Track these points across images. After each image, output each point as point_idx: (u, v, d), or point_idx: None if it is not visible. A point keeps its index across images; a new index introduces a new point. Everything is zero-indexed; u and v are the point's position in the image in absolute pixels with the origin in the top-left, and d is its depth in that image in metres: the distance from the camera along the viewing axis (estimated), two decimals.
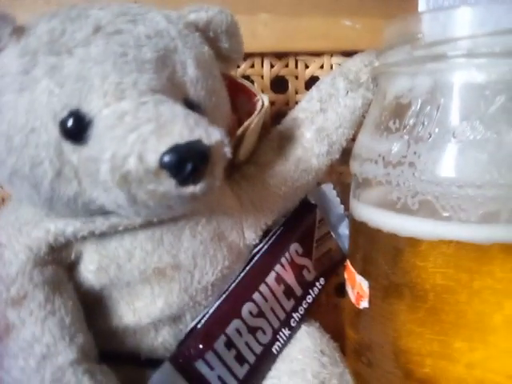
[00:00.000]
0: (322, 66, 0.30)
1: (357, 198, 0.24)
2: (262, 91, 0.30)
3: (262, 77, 0.30)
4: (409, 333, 0.22)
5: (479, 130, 0.19)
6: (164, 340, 0.23)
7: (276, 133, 0.27)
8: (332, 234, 0.29)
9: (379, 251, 0.23)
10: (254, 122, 0.23)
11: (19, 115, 0.17)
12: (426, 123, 0.20)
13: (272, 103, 0.31)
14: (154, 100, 0.17)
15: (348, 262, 0.26)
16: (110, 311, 0.22)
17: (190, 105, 0.20)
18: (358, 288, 0.24)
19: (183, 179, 0.16)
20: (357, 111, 0.26)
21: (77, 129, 0.17)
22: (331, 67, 0.30)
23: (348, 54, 0.29)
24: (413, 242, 0.21)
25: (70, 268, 0.22)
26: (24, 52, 0.17)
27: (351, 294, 0.25)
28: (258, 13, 0.28)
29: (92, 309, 0.22)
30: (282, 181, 0.25)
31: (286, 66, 0.30)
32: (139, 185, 0.16)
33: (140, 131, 0.16)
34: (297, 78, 0.30)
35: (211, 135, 0.17)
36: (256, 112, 0.23)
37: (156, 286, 0.22)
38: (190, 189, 0.17)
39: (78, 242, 0.21)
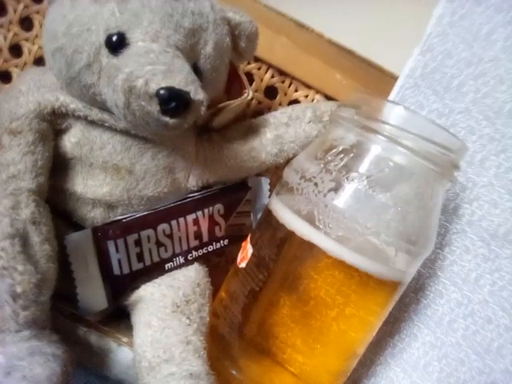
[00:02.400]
0: (306, 96, 0.38)
1: (276, 193, 0.32)
2: (256, 91, 0.38)
3: (262, 80, 0.38)
4: (270, 314, 0.30)
5: (364, 183, 0.27)
6: (94, 216, 0.30)
7: (249, 122, 0.34)
8: (251, 214, 0.37)
9: (276, 241, 0.30)
10: (233, 104, 0.31)
11: (85, 15, 0.25)
12: (336, 163, 0.28)
13: (259, 102, 0.39)
14: (173, 53, 0.25)
15: (249, 236, 0.33)
16: (69, 176, 0.29)
17: (196, 69, 0.27)
18: (245, 253, 0.32)
19: (164, 110, 0.24)
20: (310, 137, 0.34)
21: (117, 44, 0.24)
22: (312, 100, 0.38)
23: (329, 98, 0.38)
24: (306, 246, 0.28)
25: (58, 132, 0.28)
26: None
27: (238, 257, 0.33)
28: (281, 35, 0.36)
29: (59, 167, 0.29)
30: (233, 155, 0.33)
31: (283, 82, 0.38)
32: (136, 98, 0.23)
33: (155, 67, 0.23)
34: (285, 94, 0.38)
35: (197, 94, 0.25)
36: (239, 99, 0.31)
37: (108, 176, 0.29)
38: (166, 119, 0.24)
39: (73, 118, 0.28)
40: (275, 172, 0.37)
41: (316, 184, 0.28)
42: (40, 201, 0.26)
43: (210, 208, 0.34)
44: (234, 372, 0.30)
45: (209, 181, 0.34)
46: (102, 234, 0.29)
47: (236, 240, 0.36)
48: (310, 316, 0.29)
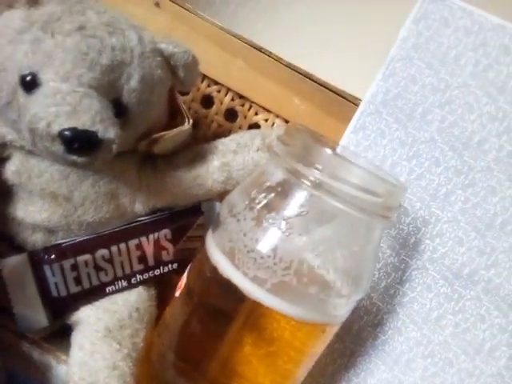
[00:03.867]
0: (266, 120, 0.37)
1: (212, 226, 0.32)
2: (217, 114, 0.38)
3: (222, 103, 0.37)
4: (188, 337, 0.30)
5: (282, 225, 0.26)
6: (35, 240, 0.31)
7: (196, 148, 0.34)
8: (204, 238, 0.37)
9: (203, 274, 0.30)
10: (169, 134, 0.31)
11: (1, 56, 0.25)
12: (259, 201, 0.27)
13: (220, 125, 0.38)
14: (84, 92, 0.25)
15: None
16: (11, 201, 0.30)
17: (118, 104, 0.27)
18: (181, 282, 0.32)
19: (69, 150, 0.24)
20: (258, 166, 0.34)
21: (29, 84, 0.25)
22: (272, 124, 0.37)
23: (288, 122, 0.36)
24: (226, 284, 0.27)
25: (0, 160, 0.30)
26: (27, 19, 0.25)
27: (180, 282, 0.33)
28: (238, 58, 0.35)
29: (2, 192, 0.30)
30: (177, 183, 0.33)
31: (242, 105, 0.37)
32: (40, 139, 0.24)
33: (59, 108, 0.24)
34: (245, 117, 0.37)
35: (107, 132, 0.25)
36: (175, 129, 0.31)
37: (46, 203, 0.30)
38: (73, 157, 0.25)
39: (12, 148, 0.30)
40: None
41: (238, 221, 0.27)
42: None
43: (156, 233, 0.34)
44: None
45: (156, 206, 0.34)
46: (38, 259, 0.31)
47: (187, 264, 0.36)
48: (234, 352, 0.29)
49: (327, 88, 0.34)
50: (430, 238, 0.34)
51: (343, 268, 0.27)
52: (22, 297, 0.31)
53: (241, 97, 0.37)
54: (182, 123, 0.32)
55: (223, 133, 0.38)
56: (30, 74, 0.25)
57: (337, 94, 0.34)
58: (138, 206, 0.33)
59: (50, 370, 0.32)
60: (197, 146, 0.34)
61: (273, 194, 0.27)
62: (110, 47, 0.26)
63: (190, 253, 0.36)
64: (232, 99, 0.37)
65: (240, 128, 0.38)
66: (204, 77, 0.37)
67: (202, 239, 0.36)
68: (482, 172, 0.32)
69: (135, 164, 0.33)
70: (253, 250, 0.26)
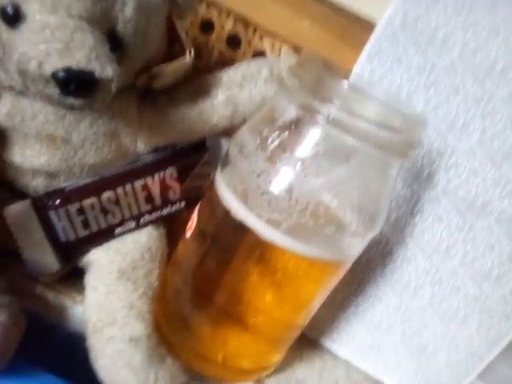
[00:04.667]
0: (272, 46, 0.34)
1: (221, 164, 0.30)
2: (217, 41, 0.35)
3: (223, 28, 0.34)
4: (204, 274, 0.30)
5: (297, 166, 0.25)
6: (36, 185, 0.30)
7: (199, 80, 0.32)
8: (210, 175, 0.36)
9: (215, 216, 0.29)
10: (169, 67, 0.28)
11: None
12: (271, 140, 0.26)
13: (221, 53, 0.35)
14: (74, 25, 0.22)
15: (199, 203, 0.33)
16: (7, 145, 0.29)
17: (113, 36, 0.24)
18: (191, 222, 0.32)
19: (65, 92, 0.22)
20: (266, 98, 0.31)
21: (12, 17, 0.22)
22: (279, 51, 0.34)
23: (297, 48, 0.33)
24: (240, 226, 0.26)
25: None
26: None
27: (190, 221, 0.33)
28: None
29: None
30: (180, 120, 0.31)
31: (246, 30, 0.34)
32: (32, 81, 0.22)
33: (50, 45, 0.21)
34: (249, 44, 0.34)
35: (104, 70, 0.22)
36: (175, 61, 0.28)
37: (44, 147, 0.29)
38: (70, 100, 0.22)
39: (1, 88, 0.27)
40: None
41: (250, 161, 0.26)
42: None
43: (161, 172, 0.33)
44: (183, 330, 0.32)
45: (158, 144, 0.32)
46: (42, 205, 0.30)
47: (195, 202, 0.35)
48: (249, 287, 0.29)
49: (341, 10, 0.31)
50: (444, 170, 0.33)
51: (360, 208, 0.26)
52: (30, 242, 0.30)
53: (244, 21, 0.33)
54: (183, 53, 0.30)
55: (226, 61, 0.35)
56: (11, 4, 0.22)
57: (351, 16, 0.31)
58: (140, 145, 0.32)
59: (65, 311, 0.33)
60: (199, 79, 0.32)
61: (286, 133, 0.25)
62: None
63: (197, 191, 0.35)
64: (234, 23, 0.34)
65: (244, 56, 0.35)
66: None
67: (208, 177, 0.35)
68: (503, 101, 0.30)
69: (134, 101, 0.30)
70: (267, 192, 0.25)
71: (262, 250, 0.27)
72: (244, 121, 0.32)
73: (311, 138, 0.25)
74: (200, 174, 0.35)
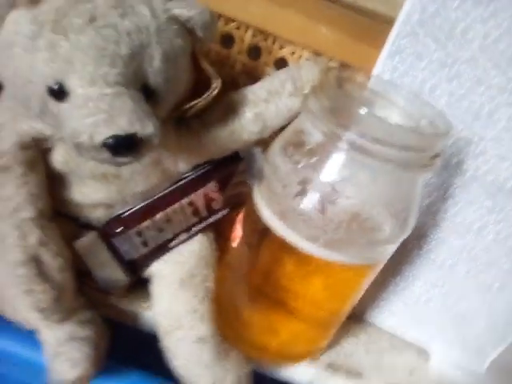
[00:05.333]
0: (293, 53, 0.35)
1: (257, 181, 0.33)
2: (239, 53, 0.36)
3: (243, 40, 0.35)
4: (256, 275, 0.34)
5: (328, 190, 0.27)
6: (97, 216, 0.34)
7: (226, 101, 0.33)
8: (248, 182, 0.38)
9: (257, 232, 0.32)
10: (200, 102, 0.30)
11: (23, 66, 0.25)
12: (302, 165, 0.28)
13: (244, 65, 0.36)
14: (113, 93, 0.24)
15: (243, 211, 0.36)
16: (66, 187, 0.32)
17: (147, 89, 0.27)
18: (236, 232, 0.35)
19: (115, 155, 0.25)
20: (292, 111, 0.33)
21: (58, 94, 0.25)
22: (300, 57, 0.35)
23: (317, 53, 0.34)
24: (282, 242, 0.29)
25: (45, 152, 0.31)
26: (35, 21, 0.24)
27: (233, 232, 0.36)
28: None
29: (55, 182, 0.32)
30: (214, 142, 0.33)
31: (265, 40, 0.35)
32: (86, 151, 0.25)
33: (96, 118, 0.24)
34: (270, 53, 0.35)
35: (146, 129, 0.25)
36: (205, 95, 0.30)
37: (99, 184, 0.32)
38: (120, 159, 0.25)
39: (54, 140, 0.30)
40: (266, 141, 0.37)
41: (284, 186, 0.29)
42: (44, 222, 0.30)
43: (203, 188, 0.36)
44: (239, 325, 0.36)
45: (197, 162, 0.35)
46: (107, 234, 0.34)
47: (237, 207, 0.38)
48: (299, 286, 0.32)
49: (356, 10, 0.31)
50: (472, 157, 0.34)
51: (392, 217, 0.28)
52: (100, 265, 0.34)
53: (262, 32, 0.34)
54: (208, 80, 0.31)
55: (249, 72, 0.37)
56: (56, 83, 0.25)
57: (367, 16, 0.31)
58: (182, 166, 0.35)
59: (137, 315, 0.37)
60: (226, 98, 0.34)
61: (315, 159, 0.27)
62: (126, 33, 0.25)
63: (237, 197, 0.38)
64: (253, 35, 0.35)
65: (266, 65, 0.36)
66: (219, 16, 0.34)
67: (246, 183, 0.38)
68: None
69: (171, 130, 0.33)
70: (302, 214, 0.28)
71: (305, 258, 0.30)
72: (273, 132, 0.34)
73: (338, 163, 0.27)
74: (237, 182, 0.38)
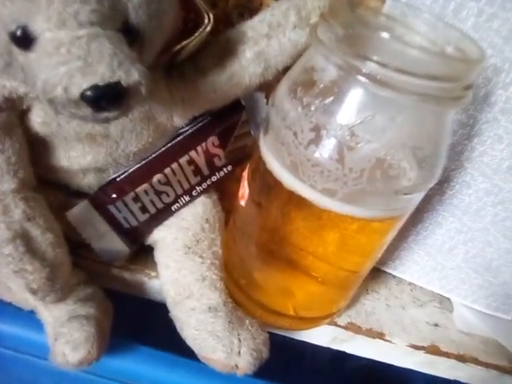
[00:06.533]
0: None
1: (263, 131, 0.29)
2: None
3: None
4: (268, 234, 0.31)
5: (346, 134, 0.23)
6: (89, 182, 0.31)
7: (222, 40, 0.29)
8: (252, 132, 0.35)
9: (267, 187, 0.28)
10: (191, 42, 0.26)
11: None
12: (315, 108, 0.24)
13: None
14: (88, 35, 0.20)
15: (246, 168, 0.32)
16: (50, 153, 0.29)
17: (128, 29, 0.22)
18: (243, 190, 0.32)
19: (97, 109, 0.21)
20: (299, 46, 0.29)
21: (23, 40, 0.21)
22: None
23: None
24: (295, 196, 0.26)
25: (22, 114, 0.27)
26: None
27: (240, 189, 0.33)
28: None
29: (37, 147, 0.28)
30: (212, 88, 0.29)
31: None
32: (63, 107, 0.21)
33: (69, 66, 0.20)
34: None
35: (130, 76, 0.21)
36: (196, 34, 0.26)
37: (87, 146, 0.29)
38: (104, 114, 0.22)
39: (29, 99, 0.26)
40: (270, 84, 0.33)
41: (295, 134, 0.25)
42: (28, 194, 0.27)
43: (203, 143, 0.32)
44: (253, 290, 0.33)
45: (194, 115, 0.31)
46: (100, 202, 0.30)
47: (241, 162, 0.35)
48: (316, 244, 0.30)
49: None
50: (502, 88, 0.30)
51: (418, 163, 0.25)
52: (98, 236, 0.32)
53: None
54: (199, 19, 0.27)
55: (244, 5, 0.32)
56: (18, 27, 0.20)
57: None
58: (177, 120, 0.31)
59: (143, 286, 0.35)
60: (222, 37, 0.29)
61: (330, 99, 0.24)
62: None
63: (241, 151, 0.35)
64: None
65: None
66: None
67: (250, 134, 0.35)
68: None
69: (162, 79, 0.29)
70: (318, 164, 0.24)
71: (320, 212, 0.27)
72: (278, 72, 0.30)
73: (358, 102, 0.23)
74: (241, 134, 0.34)
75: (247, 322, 0.31)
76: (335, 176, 0.24)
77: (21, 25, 0.20)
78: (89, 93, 0.20)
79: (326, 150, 0.24)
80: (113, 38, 0.21)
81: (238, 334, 0.30)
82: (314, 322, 0.34)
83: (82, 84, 0.20)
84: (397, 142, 0.24)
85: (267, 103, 0.34)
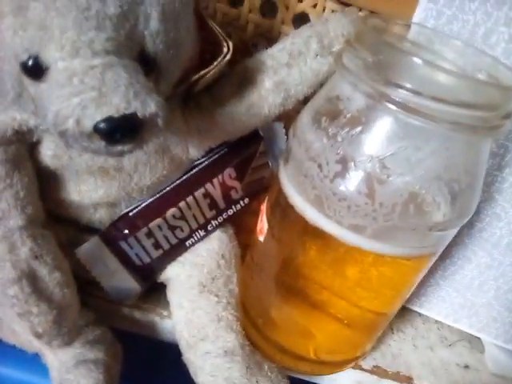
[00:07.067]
0: (314, 6, 0.29)
1: (283, 161, 0.28)
2: (250, 11, 0.30)
3: None
4: (290, 272, 0.29)
5: (375, 167, 0.22)
6: (100, 217, 0.29)
7: (240, 69, 0.28)
8: (270, 164, 0.33)
9: (288, 223, 0.27)
10: (210, 71, 0.25)
11: None
12: (341, 139, 0.23)
13: (257, 25, 0.31)
14: (103, 64, 0.19)
15: (265, 201, 0.31)
16: (60, 186, 0.28)
17: (145, 58, 0.21)
18: (262, 224, 0.30)
19: (111, 143, 0.20)
20: (320, 75, 0.28)
21: (35, 71, 0.19)
22: (323, 9, 0.29)
23: (343, 3, 0.29)
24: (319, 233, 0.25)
25: (31, 147, 0.26)
26: None
27: (258, 224, 0.31)
28: None
29: (47, 181, 0.27)
30: (229, 119, 0.28)
31: None
32: (74, 140, 0.19)
33: (82, 97, 0.19)
34: (287, 8, 0.30)
35: (147, 108, 0.20)
36: (215, 63, 0.25)
37: (99, 180, 0.27)
38: (119, 147, 0.20)
39: (39, 131, 0.25)
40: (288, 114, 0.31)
41: (320, 166, 0.23)
42: (36, 231, 0.26)
43: (219, 176, 0.31)
44: (271, 332, 0.31)
45: (211, 146, 0.30)
46: (111, 238, 0.29)
47: (257, 195, 0.33)
48: (341, 284, 0.28)
49: None
50: None
51: (453, 197, 0.23)
52: (108, 273, 0.30)
53: None
54: (218, 47, 0.26)
55: (263, 33, 0.31)
56: (29, 57, 0.19)
57: None
58: (193, 152, 0.30)
59: (155, 326, 0.33)
60: (240, 67, 0.28)
61: (358, 129, 0.22)
62: None
63: (259, 183, 0.33)
64: None
65: (283, 23, 0.30)
66: None
67: (267, 166, 0.33)
68: None
69: (178, 108, 0.28)
70: (344, 199, 0.23)
71: (347, 250, 0.25)
72: (298, 102, 0.29)
73: (388, 132, 0.22)
74: (258, 165, 0.32)
75: (266, 366, 0.29)
76: (364, 211, 0.22)
77: (32, 54, 0.19)
78: (103, 125, 0.19)
79: (353, 183, 0.22)
80: (129, 67, 0.20)
81: (257, 381, 0.28)
82: (336, 366, 0.32)
83: (95, 116, 0.19)
84: (431, 175, 0.22)
85: (286, 134, 0.33)
